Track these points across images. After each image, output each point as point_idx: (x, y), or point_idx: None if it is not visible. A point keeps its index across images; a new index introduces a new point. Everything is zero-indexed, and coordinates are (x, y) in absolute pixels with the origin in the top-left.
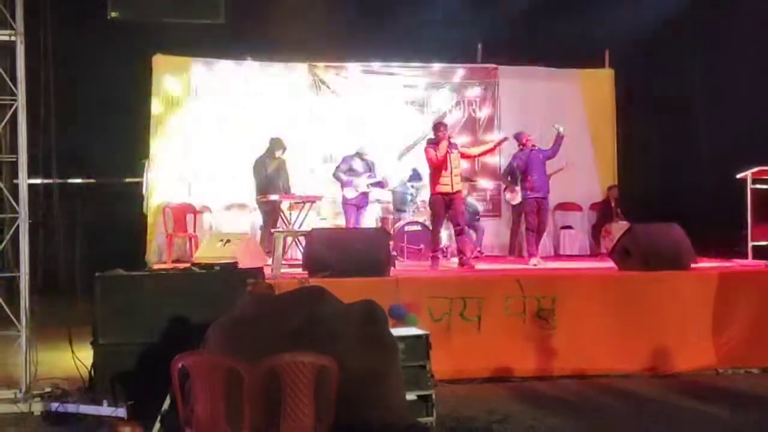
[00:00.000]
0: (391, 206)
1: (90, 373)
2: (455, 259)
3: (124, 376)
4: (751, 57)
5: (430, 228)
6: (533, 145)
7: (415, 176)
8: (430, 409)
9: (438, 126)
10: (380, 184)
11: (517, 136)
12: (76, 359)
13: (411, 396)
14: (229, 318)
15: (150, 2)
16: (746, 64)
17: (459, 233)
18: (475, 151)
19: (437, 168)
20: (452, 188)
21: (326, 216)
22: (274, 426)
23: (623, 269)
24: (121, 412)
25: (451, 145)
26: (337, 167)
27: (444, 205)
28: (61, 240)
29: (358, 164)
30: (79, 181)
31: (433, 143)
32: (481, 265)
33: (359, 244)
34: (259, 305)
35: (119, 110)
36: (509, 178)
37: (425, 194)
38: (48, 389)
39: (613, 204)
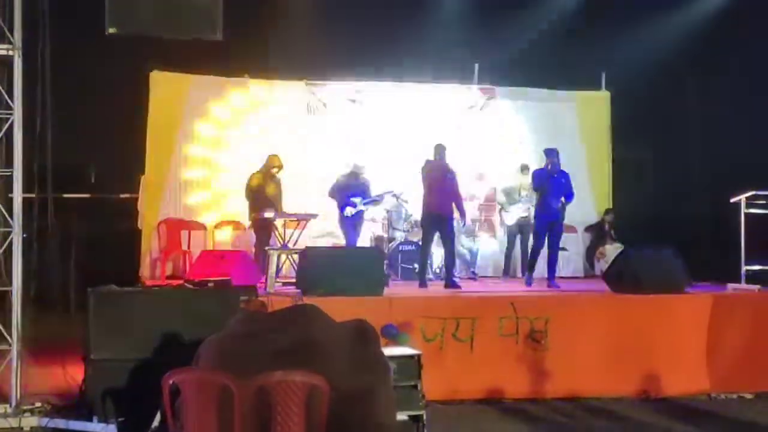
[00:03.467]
0: (385, 225)
1: (81, 388)
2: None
3: (115, 392)
4: (747, 82)
5: (422, 248)
6: (558, 170)
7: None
8: (421, 429)
9: (436, 147)
10: (376, 203)
11: (545, 153)
12: (68, 374)
13: (402, 416)
14: (221, 335)
15: (148, 19)
16: (741, 88)
17: (449, 254)
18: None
19: (432, 189)
20: (444, 209)
21: (331, 230)
22: None
23: (617, 292)
24: (112, 428)
25: (446, 168)
26: (333, 186)
27: (434, 225)
28: (55, 255)
29: (353, 183)
30: (74, 196)
31: (430, 164)
32: (474, 286)
33: (353, 262)
34: (252, 323)
35: (116, 126)
36: (505, 198)
37: (419, 213)
38: (38, 404)
39: (607, 226)
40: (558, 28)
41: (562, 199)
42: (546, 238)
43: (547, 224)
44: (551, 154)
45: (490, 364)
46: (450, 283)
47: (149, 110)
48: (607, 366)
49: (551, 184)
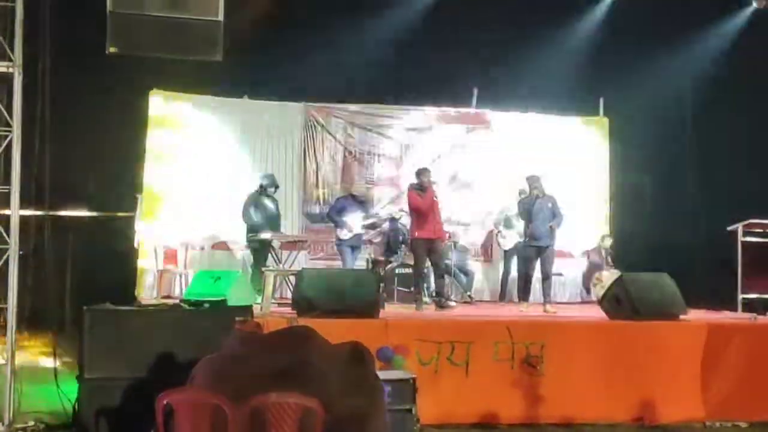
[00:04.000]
0: (383, 247)
1: (74, 407)
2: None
3: (109, 411)
4: (745, 110)
5: (414, 272)
6: (543, 195)
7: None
8: None
9: (423, 171)
10: (373, 225)
11: (528, 180)
12: (61, 393)
13: None
14: (216, 356)
15: (148, 38)
16: (740, 116)
17: (440, 276)
18: None
19: (422, 214)
20: (434, 234)
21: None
22: None
23: (613, 318)
24: None
25: (434, 193)
26: (331, 208)
27: (426, 250)
28: (50, 272)
29: (351, 205)
30: (71, 214)
31: (418, 189)
32: (470, 310)
33: (349, 284)
34: (247, 344)
35: (114, 144)
36: (502, 223)
37: None
38: (31, 423)
39: (604, 252)
40: (557, 54)
41: (551, 224)
42: (536, 263)
43: (536, 250)
44: (534, 180)
45: (485, 389)
46: (441, 306)
47: (148, 129)
48: (602, 392)
49: (537, 210)
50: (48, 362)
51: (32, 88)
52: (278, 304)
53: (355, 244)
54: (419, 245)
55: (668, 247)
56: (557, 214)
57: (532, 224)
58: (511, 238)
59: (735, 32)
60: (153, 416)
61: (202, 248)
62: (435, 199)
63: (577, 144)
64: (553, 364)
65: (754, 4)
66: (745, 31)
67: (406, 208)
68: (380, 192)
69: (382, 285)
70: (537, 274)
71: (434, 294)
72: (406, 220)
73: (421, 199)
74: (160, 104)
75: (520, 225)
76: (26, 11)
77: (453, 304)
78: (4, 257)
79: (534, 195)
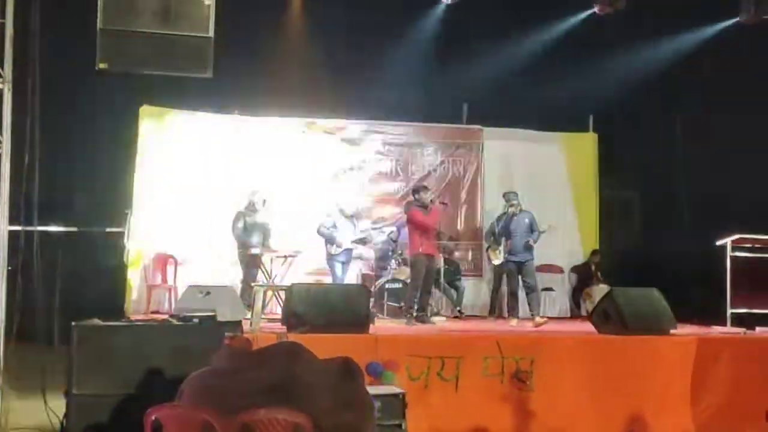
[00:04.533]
0: (373, 263)
1: (62, 423)
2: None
3: (97, 427)
4: (734, 124)
5: (412, 287)
6: (519, 210)
7: (399, 233)
8: None
9: (424, 189)
10: (363, 241)
11: (505, 197)
12: (49, 409)
13: None
14: (205, 371)
15: (139, 54)
16: (729, 130)
17: (427, 292)
18: None
19: (425, 230)
20: (434, 250)
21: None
22: None
23: (602, 333)
24: None
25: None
26: (321, 223)
27: (426, 266)
28: (39, 288)
29: (341, 221)
30: (60, 229)
31: (419, 206)
32: (460, 325)
33: (339, 300)
34: (236, 359)
35: (104, 160)
36: (492, 238)
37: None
38: None
39: (593, 267)
40: (546, 70)
41: (528, 240)
42: (518, 279)
43: (516, 265)
44: (511, 197)
45: (475, 404)
46: (423, 321)
47: (138, 145)
48: (592, 407)
49: (515, 227)
50: (36, 378)
51: (22, 103)
52: (268, 319)
53: (345, 260)
54: (421, 261)
55: (657, 262)
56: (535, 230)
57: (510, 240)
58: (501, 253)
59: (720, 44)
60: None
61: (192, 263)
62: (438, 216)
63: (566, 160)
64: (542, 379)
65: (740, 17)
66: (730, 42)
67: (396, 224)
68: (371, 207)
69: (372, 300)
70: None
71: (418, 310)
72: (395, 236)
73: (425, 216)
74: (150, 120)
75: None
76: (16, 27)
77: (442, 318)
78: None
79: (510, 212)
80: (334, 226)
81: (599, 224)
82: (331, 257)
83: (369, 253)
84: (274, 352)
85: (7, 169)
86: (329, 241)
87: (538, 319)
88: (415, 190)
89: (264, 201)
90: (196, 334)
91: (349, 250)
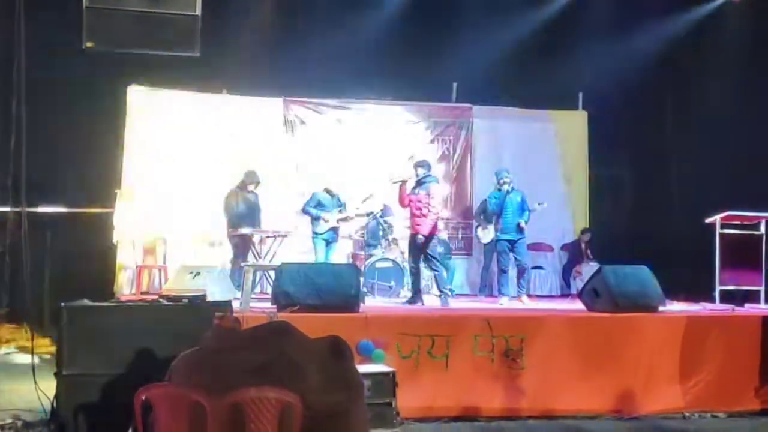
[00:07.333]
0: (362, 242)
1: (52, 404)
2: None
3: (87, 407)
4: (724, 102)
5: (409, 267)
6: (511, 188)
7: (387, 212)
8: None
9: (425, 165)
10: (347, 219)
11: (497, 174)
12: (39, 390)
13: None
14: (195, 351)
15: (125, 33)
16: (719, 108)
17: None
18: None
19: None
20: (414, 227)
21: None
22: None
23: (592, 310)
24: None
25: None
26: (306, 202)
27: (426, 245)
28: (28, 269)
29: (327, 199)
30: (49, 210)
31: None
32: (450, 304)
33: (329, 279)
34: (226, 339)
35: (92, 140)
36: (482, 216)
37: (397, 231)
38: (9, 420)
39: (583, 245)
40: (536, 48)
41: (519, 221)
42: (510, 257)
43: (507, 243)
44: (504, 174)
45: (466, 382)
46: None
47: (126, 124)
48: (582, 384)
49: (507, 204)
50: (26, 359)
51: (8, 84)
52: (258, 299)
53: (330, 238)
54: (421, 241)
55: (647, 240)
56: (526, 209)
57: (501, 218)
58: (491, 231)
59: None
60: (132, 412)
61: (182, 243)
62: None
63: (556, 138)
64: (533, 357)
65: None
66: (721, 21)
67: (386, 202)
68: (358, 186)
69: (362, 279)
70: None
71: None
72: (386, 214)
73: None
74: (139, 99)
75: None
76: (1, 6)
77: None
78: None
79: (506, 189)
80: (320, 204)
81: (589, 202)
82: (316, 236)
83: (357, 231)
84: (264, 331)
85: None
86: (315, 219)
87: (525, 299)
88: (419, 165)
89: (256, 182)
90: (186, 315)
91: (334, 229)
